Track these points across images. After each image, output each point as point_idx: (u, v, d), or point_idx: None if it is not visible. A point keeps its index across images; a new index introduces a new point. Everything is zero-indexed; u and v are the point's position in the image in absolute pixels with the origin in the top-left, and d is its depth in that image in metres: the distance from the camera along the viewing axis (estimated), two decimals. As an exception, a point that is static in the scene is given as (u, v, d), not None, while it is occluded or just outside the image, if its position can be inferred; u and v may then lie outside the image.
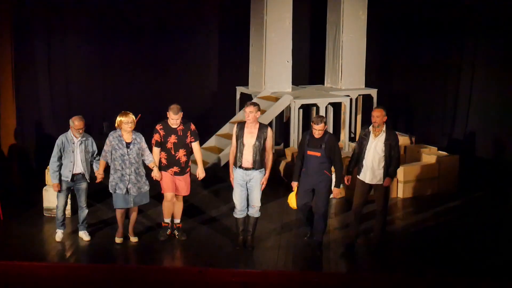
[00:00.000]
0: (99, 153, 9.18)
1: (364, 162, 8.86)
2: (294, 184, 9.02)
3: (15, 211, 10.36)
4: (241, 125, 8.95)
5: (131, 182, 8.88)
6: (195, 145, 9.11)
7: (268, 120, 12.51)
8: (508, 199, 11.16)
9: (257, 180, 8.83)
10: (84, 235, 9.24)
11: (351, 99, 13.30)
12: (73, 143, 8.94)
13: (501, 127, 12.94)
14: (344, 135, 13.09)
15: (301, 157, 8.94)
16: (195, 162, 9.33)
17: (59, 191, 9.04)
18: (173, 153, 8.96)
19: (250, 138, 8.79)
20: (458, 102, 13.83)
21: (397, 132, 12.65)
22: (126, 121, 8.86)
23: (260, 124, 8.91)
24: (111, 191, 8.97)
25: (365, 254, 9.19)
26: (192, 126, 9.13)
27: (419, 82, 14.54)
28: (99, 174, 9.03)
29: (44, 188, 10.10)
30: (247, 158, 8.77)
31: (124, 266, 8.61)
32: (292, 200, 9.03)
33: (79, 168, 8.99)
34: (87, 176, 9.05)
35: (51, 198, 9.81)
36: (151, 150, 9.03)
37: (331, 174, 8.94)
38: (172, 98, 14.34)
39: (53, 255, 8.88)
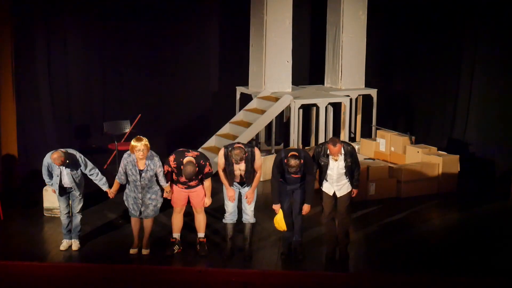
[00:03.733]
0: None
1: (328, 178, 8.68)
2: (277, 207, 8.70)
3: (15, 211, 10.37)
4: (229, 150, 8.55)
5: (144, 204, 8.74)
6: (206, 182, 8.74)
7: (268, 120, 12.52)
8: (507, 199, 11.17)
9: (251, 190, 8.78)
10: (73, 244, 9.04)
11: (351, 99, 13.31)
12: (58, 168, 8.74)
13: (501, 127, 12.93)
14: (344, 135, 13.09)
15: (278, 179, 8.65)
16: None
17: (57, 196, 8.98)
18: (182, 181, 8.73)
19: (239, 166, 8.57)
20: (458, 102, 13.82)
21: (397, 132, 12.73)
22: (138, 149, 8.47)
23: (245, 146, 8.57)
24: (124, 199, 8.89)
25: (365, 254, 9.19)
26: (206, 169, 8.59)
27: (419, 82, 14.53)
28: (111, 193, 8.90)
29: (44, 188, 10.09)
30: (239, 179, 8.68)
31: (124, 266, 8.60)
32: (280, 223, 8.70)
33: (68, 185, 8.84)
34: (77, 193, 8.86)
35: (51, 198, 9.80)
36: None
37: None
38: (172, 98, 14.45)
39: (53, 255, 8.88)
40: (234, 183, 8.74)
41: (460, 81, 13.77)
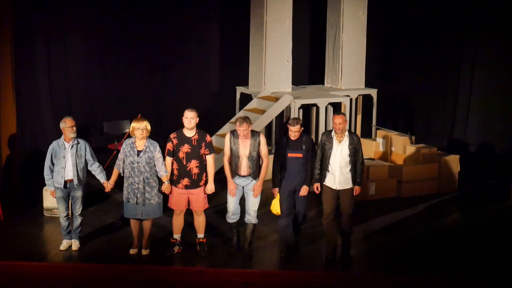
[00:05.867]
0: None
1: (330, 168, 8.65)
2: (276, 191, 8.83)
3: (15, 211, 10.37)
4: (235, 135, 8.71)
5: (139, 191, 8.68)
6: (209, 159, 8.71)
7: (268, 120, 12.51)
8: (508, 199, 11.17)
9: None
10: (73, 244, 9.03)
11: (351, 99, 13.30)
12: (64, 149, 8.76)
13: (501, 127, 12.94)
14: (344, 135, 13.07)
15: (280, 162, 8.77)
16: None
17: (57, 198, 8.97)
18: (184, 163, 8.61)
19: (244, 149, 8.66)
20: (458, 102, 13.83)
21: (397, 132, 12.73)
22: (137, 127, 8.56)
23: (252, 131, 8.71)
24: (124, 199, 8.87)
25: (365, 254, 9.19)
26: (208, 138, 8.69)
27: (419, 82, 14.54)
28: (109, 184, 8.87)
29: (44, 188, 10.08)
30: (244, 168, 8.69)
31: (124, 266, 8.60)
32: (275, 207, 8.79)
33: (70, 173, 8.78)
34: (76, 182, 8.82)
35: (51, 198, 9.78)
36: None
37: None
38: (172, 98, 14.45)
39: (53, 255, 8.88)
40: (239, 178, 8.74)
41: (460, 81, 13.78)
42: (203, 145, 8.65)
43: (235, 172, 8.72)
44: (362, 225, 10.04)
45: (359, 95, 13.68)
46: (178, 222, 8.93)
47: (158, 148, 8.70)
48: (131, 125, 8.68)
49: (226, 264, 8.71)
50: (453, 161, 11.71)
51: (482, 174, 12.55)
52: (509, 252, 9.15)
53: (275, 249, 9.12)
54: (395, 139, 12.44)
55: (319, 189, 8.77)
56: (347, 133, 8.63)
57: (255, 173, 8.71)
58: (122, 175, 8.79)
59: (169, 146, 8.69)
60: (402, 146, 12.27)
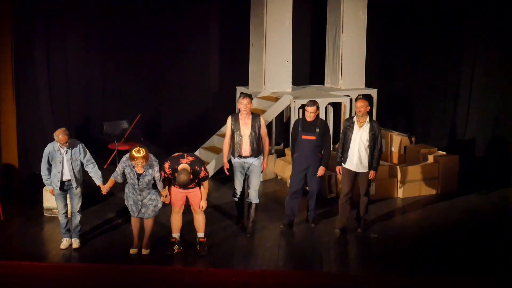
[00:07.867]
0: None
1: (349, 151, 9.23)
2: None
3: (15, 211, 10.37)
4: (235, 117, 9.27)
5: (144, 206, 8.75)
6: (204, 183, 8.74)
7: (268, 120, 12.51)
8: (508, 199, 11.18)
9: (255, 167, 9.29)
10: (74, 242, 9.05)
11: (351, 99, 13.30)
12: (60, 154, 8.76)
13: (501, 127, 12.94)
14: (344, 135, 13.08)
15: (293, 143, 9.49)
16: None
17: (56, 195, 8.98)
18: (181, 191, 8.76)
19: (246, 129, 9.18)
20: (458, 102, 13.83)
21: (397, 132, 12.73)
22: (137, 162, 8.42)
23: (252, 114, 9.26)
24: (124, 198, 8.91)
25: (365, 254, 9.20)
26: (202, 173, 8.56)
27: (419, 82, 14.54)
28: (104, 188, 8.91)
29: (44, 188, 10.08)
30: (245, 148, 9.18)
31: (124, 266, 8.60)
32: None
33: (67, 176, 8.82)
34: (74, 184, 8.85)
35: (51, 198, 9.79)
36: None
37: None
38: (172, 98, 14.46)
39: (53, 255, 8.88)
40: (241, 159, 9.20)
41: (460, 81, 13.78)
42: (197, 181, 8.67)
43: (237, 153, 9.18)
44: (362, 225, 10.03)
45: (359, 95, 13.63)
46: (176, 221, 8.94)
47: (157, 168, 8.62)
48: (131, 153, 8.47)
49: (226, 264, 8.71)
50: (453, 161, 11.70)
51: (482, 174, 12.54)
52: (510, 252, 9.15)
53: (275, 249, 9.13)
54: (395, 139, 12.44)
55: (341, 172, 9.42)
56: (368, 119, 9.20)
57: (256, 151, 9.22)
58: (118, 182, 8.85)
59: (164, 175, 8.64)
60: (402, 146, 12.28)
